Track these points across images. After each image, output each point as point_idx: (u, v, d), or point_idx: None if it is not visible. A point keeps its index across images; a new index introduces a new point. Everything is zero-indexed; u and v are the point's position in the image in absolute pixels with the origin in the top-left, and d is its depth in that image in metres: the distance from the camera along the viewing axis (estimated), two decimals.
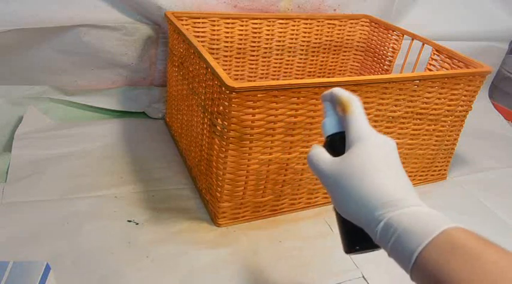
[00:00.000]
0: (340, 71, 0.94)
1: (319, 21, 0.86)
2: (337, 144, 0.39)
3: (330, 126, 0.40)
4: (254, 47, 0.83)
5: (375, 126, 0.60)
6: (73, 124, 0.79)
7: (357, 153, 0.35)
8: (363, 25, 0.89)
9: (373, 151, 0.35)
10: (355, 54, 0.93)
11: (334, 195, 0.35)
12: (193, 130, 0.65)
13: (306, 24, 0.85)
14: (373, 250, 0.35)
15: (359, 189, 0.33)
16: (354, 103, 0.38)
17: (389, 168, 0.34)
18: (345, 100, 0.38)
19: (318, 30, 0.86)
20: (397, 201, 0.32)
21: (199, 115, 0.61)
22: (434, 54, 0.73)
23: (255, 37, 0.82)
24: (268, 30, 0.82)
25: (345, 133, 0.38)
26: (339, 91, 0.39)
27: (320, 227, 0.62)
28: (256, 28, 0.81)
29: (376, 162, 0.34)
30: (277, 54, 0.86)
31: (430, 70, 0.73)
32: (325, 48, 0.89)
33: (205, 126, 0.58)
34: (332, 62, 0.92)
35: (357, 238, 0.35)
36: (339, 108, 0.39)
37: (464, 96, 0.65)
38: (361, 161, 0.34)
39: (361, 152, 0.35)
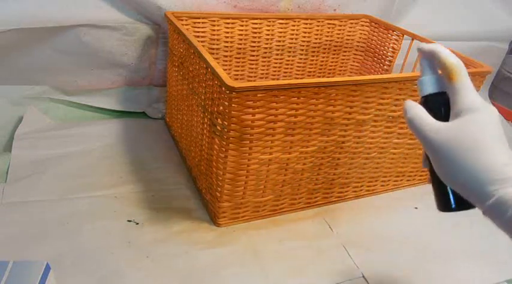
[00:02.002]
0: (340, 70, 0.94)
1: (319, 21, 0.86)
2: (437, 105, 0.38)
3: (430, 85, 0.39)
4: (254, 47, 0.83)
5: (374, 126, 0.61)
6: (73, 124, 0.79)
7: (470, 124, 0.35)
8: (363, 25, 0.89)
9: (487, 124, 0.35)
10: (355, 54, 0.93)
11: (441, 163, 0.36)
12: (193, 130, 0.65)
13: (306, 24, 0.85)
14: (466, 210, 0.37)
15: (473, 163, 0.33)
16: (463, 71, 0.38)
17: (501, 142, 0.35)
18: (453, 67, 0.37)
19: (318, 30, 0.86)
20: (509, 179, 0.32)
21: (199, 115, 0.61)
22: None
23: (255, 37, 0.82)
24: (268, 30, 0.82)
25: (445, 94, 0.38)
26: (444, 52, 0.38)
27: (320, 227, 0.62)
28: (256, 28, 0.81)
29: (490, 136, 0.35)
30: (277, 54, 0.86)
31: None
32: (325, 48, 0.89)
33: (205, 126, 0.58)
34: (332, 62, 0.92)
35: (455, 199, 0.37)
36: (444, 72, 0.38)
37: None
38: (476, 134, 0.34)
39: (475, 124, 0.35)
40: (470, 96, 0.37)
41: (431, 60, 0.40)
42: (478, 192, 0.33)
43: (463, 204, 0.36)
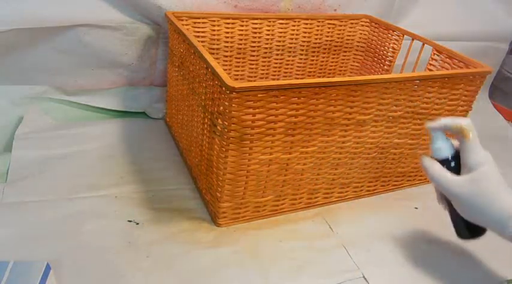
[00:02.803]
0: (341, 71, 0.94)
1: (319, 21, 0.86)
2: (452, 165, 0.49)
3: (447, 151, 0.50)
4: (254, 47, 0.83)
5: (375, 126, 0.61)
6: (73, 124, 0.79)
7: (481, 176, 0.46)
8: (363, 25, 0.89)
9: (493, 173, 0.47)
10: (355, 54, 0.93)
11: (465, 208, 0.47)
12: (193, 130, 0.65)
13: (306, 24, 0.85)
14: (480, 237, 0.50)
15: (491, 207, 0.45)
16: (474, 130, 0.48)
17: (504, 184, 0.46)
18: (466, 128, 0.48)
19: (318, 30, 0.86)
20: None
21: (199, 115, 0.61)
22: (434, 54, 0.73)
23: (255, 37, 0.82)
24: (269, 30, 0.82)
25: (456, 154, 0.49)
26: (454, 120, 0.49)
27: (320, 227, 0.62)
28: (256, 28, 0.81)
29: (497, 182, 0.46)
30: (277, 54, 0.86)
31: (430, 70, 0.73)
32: (325, 48, 0.89)
33: (205, 126, 0.58)
34: (332, 62, 0.92)
35: (476, 231, 0.49)
36: (459, 134, 0.48)
37: (465, 96, 0.65)
38: (489, 185, 0.46)
39: (487, 176, 0.46)
40: (480, 152, 0.47)
41: (442, 129, 0.50)
42: (498, 227, 0.45)
43: (476, 233, 0.50)
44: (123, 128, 0.80)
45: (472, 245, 0.61)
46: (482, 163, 0.46)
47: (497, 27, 1.05)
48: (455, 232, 0.52)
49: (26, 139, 0.72)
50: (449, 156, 0.50)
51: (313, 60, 0.90)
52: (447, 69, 0.70)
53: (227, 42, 0.80)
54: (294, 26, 0.84)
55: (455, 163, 0.49)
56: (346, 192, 0.67)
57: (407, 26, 0.82)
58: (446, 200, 0.50)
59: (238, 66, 0.84)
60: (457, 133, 0.48)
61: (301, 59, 0.88)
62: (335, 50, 0.91)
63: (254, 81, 0.86)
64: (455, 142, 0.51)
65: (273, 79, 0.88)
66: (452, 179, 0.48)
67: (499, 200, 0.45)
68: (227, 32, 0.79)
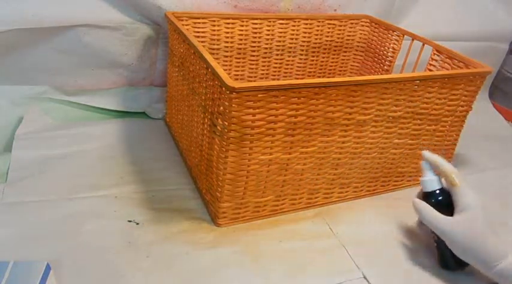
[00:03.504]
0: (341, 71, 0.94)
1: (319, 22, 0.86)
2: (440, 198, 0.54)
3: (433, 184, 0.55)
4: (254, 47, 0.83)
5: (375, 126, 0.61)
6: (73, 124, 0.79)
7: (473, 218, 0.51)
8: (363, 25, 0.89)
9: (482, 217, 0.51)
10: (355, 54, 0.93)
11: (455, 246, 0.51)
12: (193, 131, 0.65)
13: (306, 24, 0.85)
14: (461, 270, 0.54)
15: (479, 247, 0.50)
16: (460, 176, 0.53)
17: (490, 228, 0.51)
18: (453, 175, 0.53)
19: (318, 30, 0.86)
20: (505, 255, 0.50)
21: (199, 116, 0.61)
22: (434, 54, 0.73)
23: (255, 37, 0.82)
24: (269, 30, 0.82)
25: (442, 189, 0.55)
26: (445, 165, 0.54)
27: (320, 227, 0.62)
28: (256, 28, 0.81)
29: (486, 225, 0.51)
30: (277, 54, 0.86)
31: (430, 70, 0.73)
32: (325, 49, 0.89)
33: (205, 126, 0.58)
34: (332, 62, 0.92)
35: (461, 263, 0.53)
36: (447, 179, 0.54)
37: (465, 96, 0.65)
38: (478, 225, 0.50)
39: (475, 218, 0.51)
40: (468, 196, 0.52)
41: (431, 164, 0.56)
42: (484, 265, 0.50)
43: (460, 266, 0.53)
44: (123, 128, 0.80)
45: None
46: (471, 206, 0.51)
47: (497, 27, 1.05)
48: (439, 263, 0.55)
49: (26, 139, 0.72)
50: (437, 190, 0.55)
51: (313, 60, 0.90)
52: (447, 69, 0.70)
53: (227, 42, 0.80)
54: (294, 26, 0.84)
55: (443, 198, 0.54)
56: (346, 192, 0.67)
57: (407, 26, 0.82)
58: (434, 233, 0.54)
59: (238, 66, 0.84)
60: (444, 177, 0.54)
61: (301, 59, 0.88)
62: (335, 50, 0.91)
63: (254, 81, 0.86)
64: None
65: (273, 79, 0.88)
66: (445, 219, 0.52)
67: (486, 241, 0.50)
68: (227, 32, 0.79)
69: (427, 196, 0.55)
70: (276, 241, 0.58)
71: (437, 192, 0.55)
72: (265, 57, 0.85)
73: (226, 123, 0.51)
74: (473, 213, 0.51)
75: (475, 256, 0.50)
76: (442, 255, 0.55)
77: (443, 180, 0.55)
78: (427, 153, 0.56)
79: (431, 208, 0.53)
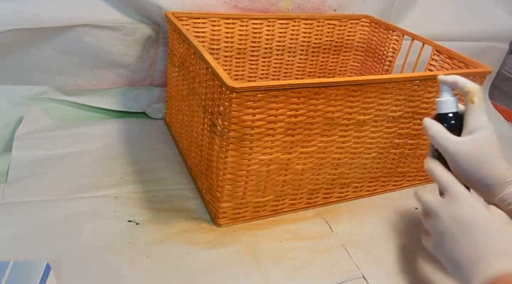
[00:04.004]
0: (341, 71, 0.94)
1: (319, 22, 0.86)
2: (453, 122, 0.50)
3: (448, 106, 0.50)
4: (254, 47, 0.83)
5: (375, 126, 0.61)
6: (73, 124, 0.79)
7: (483, 140, 0.47)
8: (363, 25, 0.89)
9: (492, 138, 0.47)
10: (355, 54, 0.93)
11: (459, 168, 0.47)
12: (193, 131, 0.65)
13: (306, 24, 0.85)
14: None
15: (486, 169, 0.46)
16: (481, 94, 0.49)
17: (501, 151, 0.47)
18: (474, 91, 0.48)
19: (318, 30, 0.86)
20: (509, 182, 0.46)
21: (199, 116, 0.61)
22: (434, 54, 0.73)
23: (255, 37, 0.82)
24: (269, 30, 0.82)
25: (459, 115, 0.50)
26: (465, 81, 0.49)
27: (320, 227, 0.62)
28: (256, 28, 0.81)
29: (496, 148, 0.47)
30: (277, 55, 0.86)
31: (430, 70, 0.73)
32: (325, 49, 0.89)
33: (205, 126, 0.59)
34: (332, 62, 0.92)
35: None
36: (466, 95, 0.49)
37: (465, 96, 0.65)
38: (487, 148, 0.47)
39: (487, 140, 0.47)
40: (483, 117, 0.48)
41: (451, 86, 0.50)
42: (489, 189, 0.46)
43: None
44: (123, 128, 0.80)
45: None
46: (484, 127, 0.47)
47: (497, 27, 1.05)
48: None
49: (26, 139, 0.72)
50: (453, 112, 0.50)
51: (313, 60, 0.90)
52: (447, 69, 0.70)
53: (227, 42, 0.80)
54: (294, 26, 0.84)
55: (456, 122, 0.49)
56: (346, 192, 0.67)
57: (407, 26, 0.82)
58: (437, 154, 0.50)
59: (238, 66, 0.84)
60: (465, 94, 0.49)
61: (301, 59, 0.88)
62: (335, 50, 0.91)
63: (254, 81, 0.86)
64: (461, 107, 0.51)
65: (273, 79, 0.88)
66: (452, 137, 0.48)
67: (495, 165, 0.46)
68: (227, 32, 0.79)
69: (439, 119, 0.51)
70: (276, 241, 0.58)
71: (451, 115, 0.50)
72: (265, 57, 0.85)
73: (226, 123, 0.51)
74: (485, 134, 0.47)
75: (480, 178, 0.46)
76: None
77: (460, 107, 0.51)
78: (443, 77, 0.51)
79: (441, 126, 0.49)
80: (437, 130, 0.49)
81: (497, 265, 0.39)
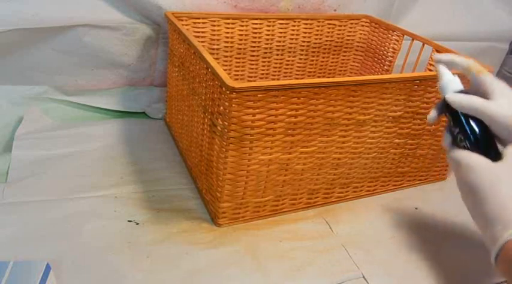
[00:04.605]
0: (341, 71, 0.94)
1: (319, 22, 0.86)
2: None
3: (454, 85, 0.47)
4: (254, 47, 0.83)
5: (375, 126, 0.60)
6: (73, 124, 0.79)
7: None
8: (363, 25, 0.89)
9: None
10: (355, 54, 0.93)
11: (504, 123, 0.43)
12: (193, 131, 0.65)
13: (306, 24, 0.85)
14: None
15: None
16: (480, 66, 0.47)
17: None
18: (476, 66, 0.47)
19: (318, 30, 0.86)
20: None
21: (199, 116, 0.61)
22: (434, 54, 0.73)
23: (255, 37, 0.82)
24: (269, 30, 0.82)
25: (463, 91, 0.47)
26: (463, 59, 0.48)
27: (320, 227, 0.62)
28: (256, 28, 0.81)
29: None
30: (277, 54, 0.86)
31: (430, 70, 0.73)
32: (325, 49, 0.89)
33: (205, 126, 0.59)
34: (332, 62, 0.92)
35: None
36: (470, 72, 0.47)
37: (467, 73, 0.65)
38: None
39: None
40: (499, 81, 0.46)
41: (447, 64, 0.48)
42: None
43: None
44: (123, 128, 0.80)
45: (473, 245, 0.61)
46: (506, 89, 0.45)
47: (497, 27, 1.05)
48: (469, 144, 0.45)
49: (26, 139, 0.72)
50: (460, 91, 0.47)
51: (313, 60, 0.90)
52: None
53: (227, 42, 0.80)
54: (294, 26, 0.84)
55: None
56: (346, 192, 0.67)
57: (407, 26, 0.82)
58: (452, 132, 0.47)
59: (238, 66, 0.84)
60: (467, 71, 0.47)
61: (301, 59, 0.88)
62: (335, 50, 0.91)
63: (254, 81, 0.86)
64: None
65: (273, 79, 0.88)
66: (491, 103, 0.44)
67: None
68: (227, 32, 0.79)
69: (447, 103, 0.47)
70: (276, 241, 0.58)
71: (460, 92, 0.47)
72: (265, 57, 0.85)
73: (226, 123, 0.51)
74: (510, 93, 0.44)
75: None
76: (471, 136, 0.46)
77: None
78: (438, 55, 0.49)
79: (472, 95, 0.45)
80: (473, 99, 0.45)
81: None
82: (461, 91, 0.47)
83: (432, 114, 0.50)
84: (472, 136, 0.45)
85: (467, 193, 0.44)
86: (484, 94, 0.45)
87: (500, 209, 0.40)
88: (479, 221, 0.43)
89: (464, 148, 0.46)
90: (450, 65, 0.48)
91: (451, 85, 0.47)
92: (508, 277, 0.39)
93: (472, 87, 0.48)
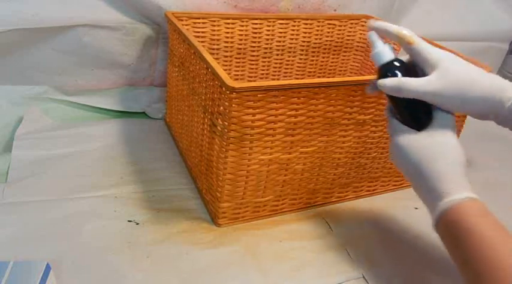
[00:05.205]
0: (341, 71, 0.94)
1: (319, 22, 0.86)
2: (398, 65, 0.46)
3: (386, 54, 0.46)
4: (254, 47, 0.83)
5: (375, 126, 0.60)
6: (73, 124, 0.79)
7: (452, 68, 0.44)
8: (363, 25, 0.89)
9: (461, 61, 0.45)
10: (355, 54, 0.93)
11: (449, 101, 0.44)
12: (193, 131, 0.65)
13: (306, 24, 0.85)
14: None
15: (471, 91, 0.43)
16: (415, 35, 0.46)
17: (478, 69, 0.45)
18: (407, 35, 0.46)
19: (318, 30, 0.86)
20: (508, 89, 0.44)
21: (199, 116, 0.61)
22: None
23: (255, 37, 0.82)
24: (269, 30, 0.82)
25: (397, 59, 0.46)
26: (394, 27, 0.46)
27: (320, 227, 0.62)
28: (256, 28, 0.81)
29: (473, 68, 0.45)
30: (277, 55, 0.86)
31: None
32: (325, 48, 0.89)
33: (205, 126, 0.59)
34: (332, 62, 0.92)
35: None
36: (401, 41, 0.46)
37: (401, 43, 0.65)
38: (465, 69, 0.45)
39: (456, 64, 0.44)
40: (433, 50, 0.45)
41: (380, 34, 0.47)
42: (490, 104, 0.43)
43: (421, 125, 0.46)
44: (123, 128, 0.80)
45: None
46: (444, 57, 0.44)
47: (497, 27, 1.05)
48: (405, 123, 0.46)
49: (26, 139, 0.72)
50: (394, 60, 0.46)
51: (313, 60, 0.90)
52: None
53: (227, 42, 0.80)
54: (294, 26, 0.84)
55: (401, 66, 0.46)
56: (346, 192, 0.67)
57: (407, 26, 0.82)
58: (391, 101, 0.47)
59: (238, 66, 0.84)
60: (400, 41, 0.46)
61: (301, 59, 0.88)
62: (335, 50, 0.91)
63: (254, 81, 0.86)
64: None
65: (273, 79, 0.88)
66: (425, 80, 0.44)
67: (478, 82, 0.43)
68: (227, 32, 0.79)
69: (383, 71, 0.47)
70: (276, 241, 0.58)
71: (394, 62, 0.46)
72: (265, 57, 0.85)
73: (226, 123, 0.51)
74: (449, 62, 0.44)
75: (470, 101, 0.43)
76: (404, 115, 0.47)
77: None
78: (371, 21, 0.48)
79: (401, 76, 0.45)
80: (404, 80, 0.44)
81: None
82: (395, 60, 0.46)
83: (369, 88, 0.50)
84: (398, 111, 0.47)
85: (400, 168, 0.46)
86: (420, 64, 0.46)
87: (433, 180, 0.42)
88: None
89: (397, 119, 0.47)
90: (383, 33, 0.47)
91: (381, 55, 0.47)
92: (443, 242, 0.42)
93: (409, 56, 0.47)
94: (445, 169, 0.42)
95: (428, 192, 0.43)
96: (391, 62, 0.46)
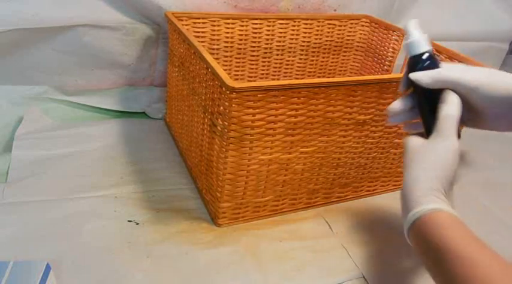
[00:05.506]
0: (341, 71, 0.94)
1: (319, 22, 0.86)
2: (428, 64, 0.44)
3: (421, 45, 0.44)
4: (254, 47, 0.83)
5: (375, 126, 0.60)
6: (73, 124, 0.79)
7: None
8: (363, 25, 0.89)
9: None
10: (355, 54, 0.93)
11: (483, 89, 0.42)
12: (193, 131, 0.65)
13: (306, 24, 0.85)
14: None
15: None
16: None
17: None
18: None
19: (318, 30, 0.86)
20: None
21: (199, 116, 0.61)
22: (434, 54, 0.72)
23: (255, 37, 0.82)
24: (269, 30, 0.82)
25: (431, 52, 0.44)
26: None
27: (320, 227, 0.62)
28: (256, 28, 0.81)
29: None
30: (277, 54, 0.86)
31: None
32: (325, 48, 0.89)
33: (205, 126, 0.59)
34: (332, 62, 0.92)
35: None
36: None
37: None
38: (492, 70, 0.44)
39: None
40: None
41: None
42: None
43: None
44: (123, 128, 0.80)
45: None
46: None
47: (497, 27, 1.05)
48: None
49: (26, 139, 0.72)
50: (426, 52, 0.44)
51: (313, 60, 0.90)
52: None
53: (227, 42, 0.80)
54: (294, 26, 0.84)
55: (431, 62, 0.44)
56: (346, 192, 0.67)
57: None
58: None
59: (238, 66, 0.84)
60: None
61: (301, 59, 0.88)
62: (335, 50, 0.91)
63: (254, 81, 0.86)
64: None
65: (273, 79, 0.88)
66: (467, 68, 0.43)
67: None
68: (227, 32, 0.79)
69: (413, 63, 0.45)
70: (276, 241, 0.58)
71: (427, 55, 0.44)
72: (265, 57, 0.85)
73: (226, 123, 0.51)
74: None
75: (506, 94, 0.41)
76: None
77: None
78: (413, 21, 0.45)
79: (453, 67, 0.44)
80: (451, 67, 0.44)
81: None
82: (429, 52, 0.44)
83: (402, 85, 0.47)
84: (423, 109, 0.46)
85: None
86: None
87: (408, 186, 0.43)
88: None
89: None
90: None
91: (415, 45, 0.44)
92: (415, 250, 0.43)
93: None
94: (417, 174, 0.42)
95: (403, 197, 0.44)
96: (423, 54, 0.44)
